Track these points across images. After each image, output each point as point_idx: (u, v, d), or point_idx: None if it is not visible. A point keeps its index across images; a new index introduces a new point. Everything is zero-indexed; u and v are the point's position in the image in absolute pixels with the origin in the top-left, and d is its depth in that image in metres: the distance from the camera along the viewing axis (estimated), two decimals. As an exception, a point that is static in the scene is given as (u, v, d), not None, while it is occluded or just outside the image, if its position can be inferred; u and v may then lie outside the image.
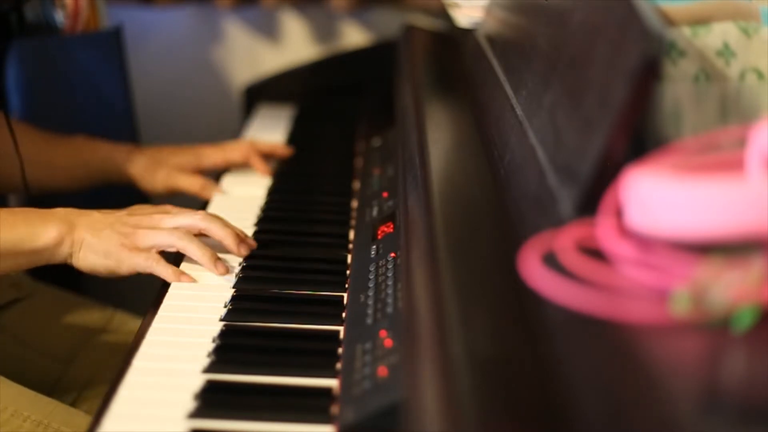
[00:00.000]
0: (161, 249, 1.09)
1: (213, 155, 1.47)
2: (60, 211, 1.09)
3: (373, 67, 1.91)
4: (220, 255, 1.12)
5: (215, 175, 1.47)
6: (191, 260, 1.11)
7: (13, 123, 1.37)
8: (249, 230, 1.24)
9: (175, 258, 1.12)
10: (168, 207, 1.15)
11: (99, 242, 1.07)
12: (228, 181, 1.46)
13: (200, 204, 1.39)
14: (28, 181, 1.34)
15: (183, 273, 1.08)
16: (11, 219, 1.07)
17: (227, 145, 1.50)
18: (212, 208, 1.35)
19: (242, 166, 1.48)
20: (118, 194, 1.59)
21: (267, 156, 1.51)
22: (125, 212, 1.12)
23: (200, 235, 1.13)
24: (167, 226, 1.10)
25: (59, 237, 1.06)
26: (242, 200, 1.38)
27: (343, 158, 1.58)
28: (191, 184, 1.42)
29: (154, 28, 2.14)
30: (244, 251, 1.13)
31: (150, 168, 1.44)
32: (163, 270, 1.07)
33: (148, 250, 1.07)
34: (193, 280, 1.08)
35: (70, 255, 1.07)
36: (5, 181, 1.38)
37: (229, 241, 1.12)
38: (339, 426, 0.81)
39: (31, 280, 1.38)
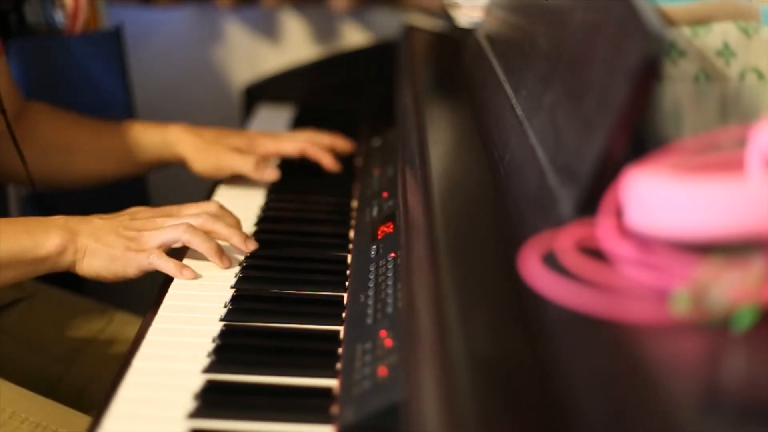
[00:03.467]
0: (167, 246, 1.09)
1: (267, 143, 1.42)
2: (60, 219, 1.08)
3: (373, 67, 1.91)
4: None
5: (209, 186, 1.45)
6: (193, 257, 1.12)
7: (62, 112, 1.40)
8: (249, 230, 1.24)
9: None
10: (169, 208, 1.15)
11: (104, 248, 1.07)
12: (228, 181, 1.45)
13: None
14: (83, 172, 1.37)
15: (185, 266, 1.08)
16: (12, 229, 1.06)
17: (283, 135, 1.47)
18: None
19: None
20: (119, 196, 1.59)
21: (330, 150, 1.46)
22: (126, 216, 1.12)
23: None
24: (170, 225, 1.10)
25: (62, 245, 1.06)
26: (242, 200, 1.38)
27: (343, 158, 1.58)
28: (245, 162, 1.36)
29: (154, 28, 2.14)
30: (252, 246, 1.14)
31: (203, 148, 1.39)
32: (165, 264, 1.07)
33: (152, 249, 1.07)
34: (196, 275, 1.08)
35: (74, 263, 1.07)
36: (17, 175, 1.37)
37: (234, 240, 1.13)
38: (339, 426, 0.81)
39: (32, 281, 1.38)
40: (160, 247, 1.08)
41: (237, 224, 1.16)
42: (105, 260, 1.07)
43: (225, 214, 1.15)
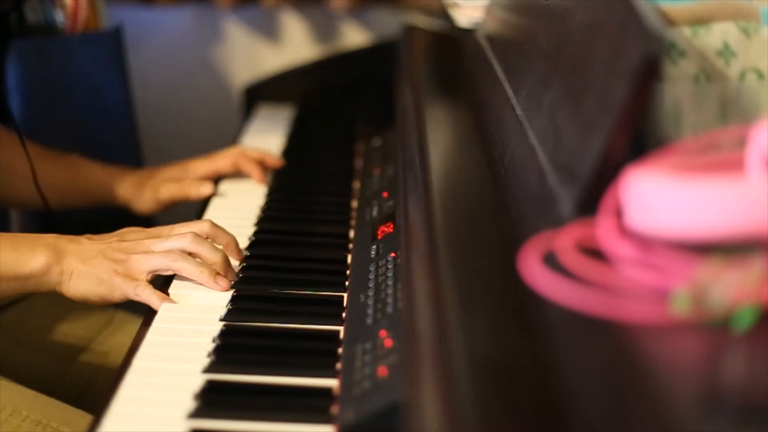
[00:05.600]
0: (156, 273, 1.06)
1: (200, 167, 1.43)
2: (49, 238, 1.06)
3: (373, 67, 1.91)
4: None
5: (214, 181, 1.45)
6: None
7: (10, 135, 1.36)
8: (249, 230, 1.24)
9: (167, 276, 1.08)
10: (160, 229, 1.11)
11: (91, 270, 1.04)
12: (228, 180, 1.45)
13: (197, 212, 1.37)
14: (25, 199, 1.34)
15: (168, 299, 1.04)
16: None
17: (215, 154, 1.46)
18: (212, 210, 1.35)
19: (233, 174, 1.44)
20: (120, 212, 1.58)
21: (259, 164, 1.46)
22: (115, 237, 1.09)
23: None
24: (159, 249, 1.06)
25: (47, 265, 1.04)
26: (242, 200, 1.38)
27: (343, 158, 1.58)
28: (180, 188, 1.39)
29: (154, 28, 2.14)
30: (231, 277, 1.08)
31: (139, 188, 1.41)
32: (149, 297, 1.03)
33: (140, 276, 1.04)
34: (173, 302, 1.04)
35: (59, 284, 1.05)
36: (14, 197, 1.38)
37: (217, 267, 1.07)
38: (339, 426, 0.81)
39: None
40: (148, 273, 1.04)
41: (231, 242, 1.12)
42: (91, 283, 1.04)
43: (217, 233, 1.11)
